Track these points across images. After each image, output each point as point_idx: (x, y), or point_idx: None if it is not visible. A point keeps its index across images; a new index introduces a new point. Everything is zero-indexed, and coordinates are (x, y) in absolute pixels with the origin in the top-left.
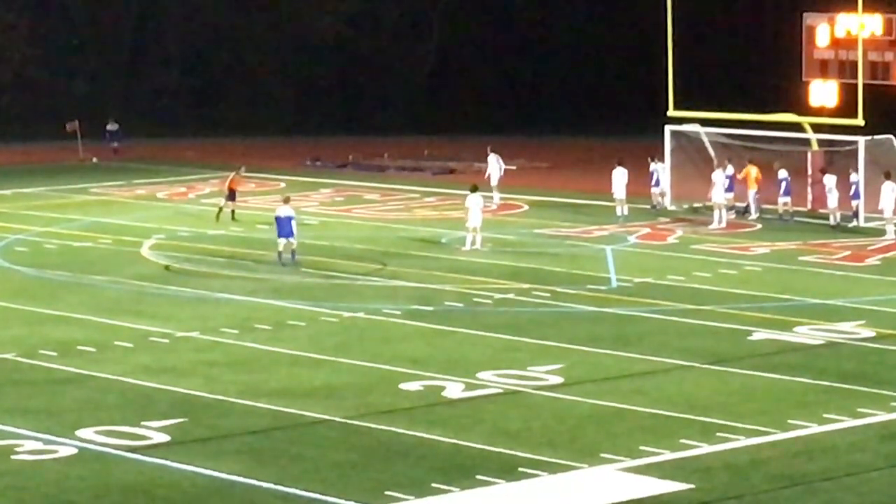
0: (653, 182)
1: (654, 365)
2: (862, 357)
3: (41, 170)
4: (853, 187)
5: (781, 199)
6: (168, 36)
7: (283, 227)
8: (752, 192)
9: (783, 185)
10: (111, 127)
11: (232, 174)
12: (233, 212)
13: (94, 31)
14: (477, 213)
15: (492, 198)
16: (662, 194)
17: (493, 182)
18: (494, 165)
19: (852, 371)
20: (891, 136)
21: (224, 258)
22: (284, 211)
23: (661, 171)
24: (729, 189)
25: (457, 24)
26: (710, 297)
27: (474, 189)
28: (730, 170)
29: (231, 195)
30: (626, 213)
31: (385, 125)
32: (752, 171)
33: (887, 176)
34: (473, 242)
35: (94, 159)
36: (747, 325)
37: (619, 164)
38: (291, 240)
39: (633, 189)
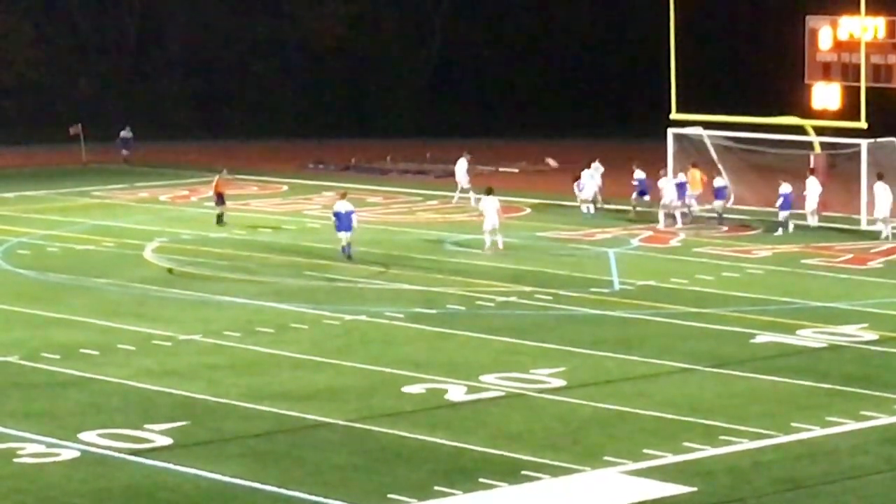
0: (637, 191)
1: (656, 368)
2: (865, 360)
3: (44, 173)
4: (781, 198)
5: (717, 202)
6: (171, 39)
7: (343, 221)
8: (694, 192)
9: (722, 191)
10: (125, 134)
11: (216, 177)
12: (221, 215)
13: (98, 34)
14: (493, 214)
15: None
16: (638, 202)
17: (465, 184)
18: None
19: (855, 374)
20: (893, 139)
21: (227, 261)
22: (344, 206)
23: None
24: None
25: (459, 26)
26: (713, 300)
27: (489, 191)
28: (681, 177)
29: (220, 198)
30: (592, 212)
31: (388, 128)
32: (696, 174)
33: (879, 177)
34: (494, 244)
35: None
36: (750, 327)
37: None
38: (349, 234)
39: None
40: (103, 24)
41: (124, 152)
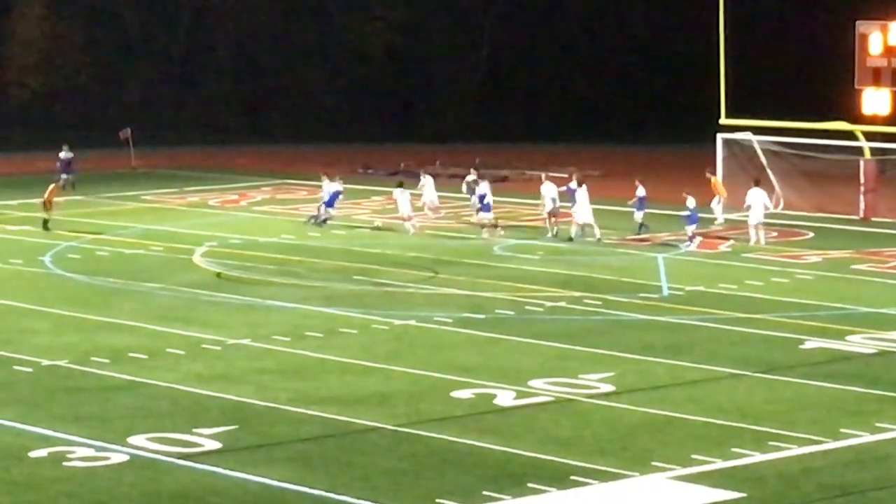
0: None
1: (705, 373)
2: None
3: (93, 177)
4: (689, 213)
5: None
6: (219, 44)
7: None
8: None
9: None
10: (65, 154)
11: (52, 185)
12: (46, 221)
13: (146, 39)
14: (406, 204)
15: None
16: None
17: (431, 202)
18: (430, 186)
19: None
20: None
21: (275, 266)
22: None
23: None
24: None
25: (508, 31)
26: (762, 306)
27: (400, 184)
28: (483, 188)
29: (49, 205)
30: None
31: (436, 133)
32: (711, 179)
33: (756, 182)
34: (414, 227)
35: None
36: (799, 333)
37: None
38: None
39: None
40: (152, 28)
41: (64, 177)
